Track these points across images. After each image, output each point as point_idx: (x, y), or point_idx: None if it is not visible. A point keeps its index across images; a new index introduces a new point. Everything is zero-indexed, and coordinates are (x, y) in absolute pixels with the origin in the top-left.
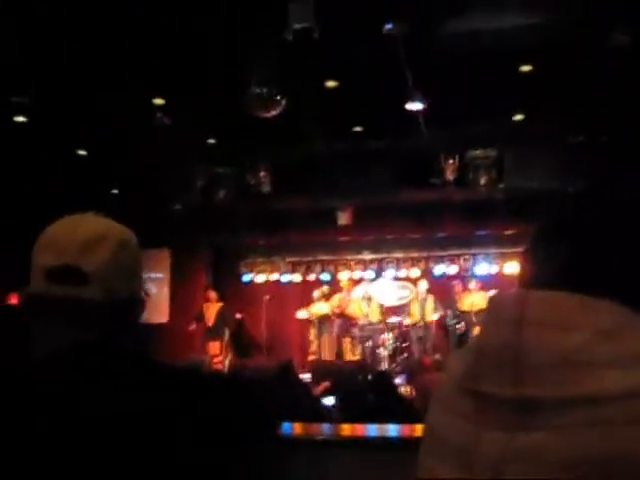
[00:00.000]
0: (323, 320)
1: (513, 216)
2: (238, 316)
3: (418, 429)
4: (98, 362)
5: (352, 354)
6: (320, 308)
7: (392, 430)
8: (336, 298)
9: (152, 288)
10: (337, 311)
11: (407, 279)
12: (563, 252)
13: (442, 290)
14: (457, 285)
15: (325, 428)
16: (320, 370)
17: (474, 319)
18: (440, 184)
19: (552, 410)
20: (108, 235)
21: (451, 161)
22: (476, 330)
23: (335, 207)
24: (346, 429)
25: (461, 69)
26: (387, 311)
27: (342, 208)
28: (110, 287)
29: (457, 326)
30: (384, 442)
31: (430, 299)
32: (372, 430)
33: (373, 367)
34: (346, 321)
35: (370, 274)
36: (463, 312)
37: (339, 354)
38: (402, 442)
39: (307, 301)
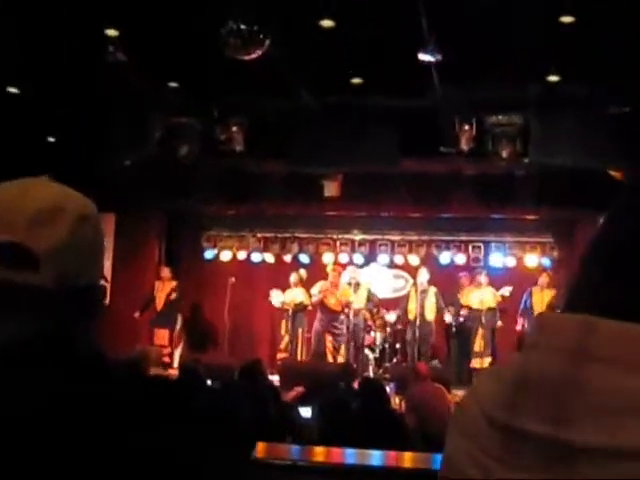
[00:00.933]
0: (299, 311)
1: (537, 198)
2: (195, 300)
3: (407, 458)
4: (37, 362)
5: (333, 355)
6: (296, 296)
7: (376, 458)
8: (317, 286)
9: None
10: (317, 301)
11: (404, 267)
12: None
13: (446, 283)
14: (464, 278)
15: (294, 451)
16: (292, 372)
17: (482, 319)
18: (451, 154)
19: (593, 460)
20: (65, 207)
21: (467, 127)
22: (481, 332)
23: (321, 175)
24: (319, 453)
25: (487, 16)
26: (377, 305)
27: (329, 176)
28: (65, 272)
29: (461, 327)
30: (364, 473)
31: (431, 293)
32: (351, 456)
33: (358, 372)
34: (327, 314)
35: (359, 258)
36: (470, 310)
37: (317, 354)
38: (386, 474)
39: (281, 286)
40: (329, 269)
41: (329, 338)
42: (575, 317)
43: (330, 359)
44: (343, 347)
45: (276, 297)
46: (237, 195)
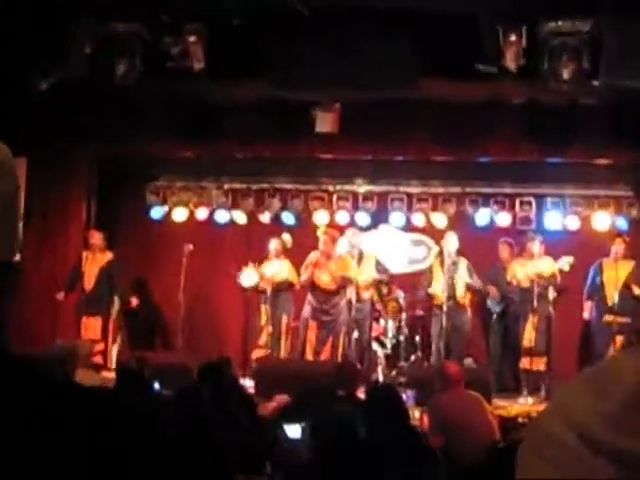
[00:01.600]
0: (283, 292)
1: (610, 135)
2: (137, 277)
3: None
4: None
5: (328, 351)
6: (278, 270)
7: None
8: (311, 257)
9: None
10: (308, 279)
11: (426, 230)
12: None
13: (483, 252)
14: (508, 245)
15: None
16: (273, 375)
17: (534, 303)
18: (492, 74)
19: None
20: None
21: (514, 37)
22: (533, 320)
23: (311, 103)
24: None
25: None
26: (389, 282)
27: (323, 105)
28: None
29: (505, 313)
30: None
31: (462, 266)
32: None
33: (363, 375)
34: (319, 296)
35: (363, 218)
36: (516, 290)
37: (306, 350)
38: None
39: (256, 257)
40: (320, 232)
41: (316, 327)
42: None
43: (323, 356)
44: (341, 340)
45: (248, 276)
46: (195, 131)
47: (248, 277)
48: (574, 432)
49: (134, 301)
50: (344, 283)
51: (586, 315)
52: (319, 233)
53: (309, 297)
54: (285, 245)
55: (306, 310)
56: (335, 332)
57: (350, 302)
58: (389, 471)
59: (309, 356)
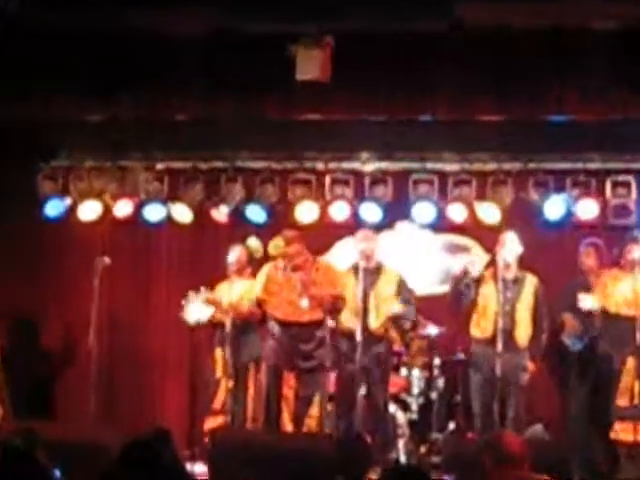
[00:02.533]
0: (248, 326)
1: None
2: (21, 307)
3: None
4: None
5: (315, 418)
6: (242, 294)
7: None
8: (266, 270)
9: None
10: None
11: (468, 228)
12: None
13: (557, 260)
14: (595, 249)
15: None
16: (237, 456)
17: (638, 337)
18: None
19: None
20: None
21: None
22: (635, 364)
23: (289, 37)
24: None
25: None
26: (413, 311)
27: (307, 41)
28: None
29: (590, 354)
30: None
31: (528, 284)
32: None
33: (374, 452)
34: (293, 328)
35: (372, 212)
36: (608, 319)
37: (281, 416)
38: None
39: (208, 275)
40: (273, 251)
41: (293, 379)
42: None
43: (310, 424)
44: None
45: (196, 307)
46: (110, 82)
47: (196, 309)
48: None
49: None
50: (336, 307)
51: None
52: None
53: (274, 329)
54: (252, 255)
55: (270, 351)
56: (323, 387)
57: (353, 340)
58: None
59: (287, 426)
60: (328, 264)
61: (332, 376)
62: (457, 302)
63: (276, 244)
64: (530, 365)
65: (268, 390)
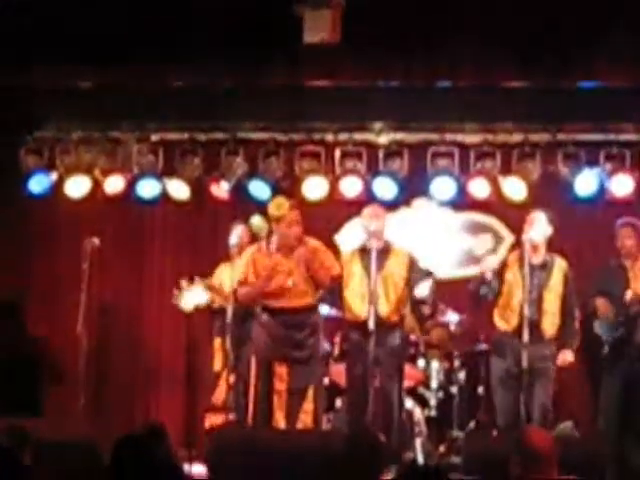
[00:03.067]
0: (252, 313)
1: None
2: (9, 293)
3: None
4: None
5: (310, 414)
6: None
7: None
8: (250, 251)
9: None
10: (251, 288)
11: (491, 207)
12: None
13: (589, 243)
14: (633, 229)
15: None
16: (239, 457)
17: None
18: None
19: None
20: None
21: None
22: None
23: None
24: None
25: None
26: (433, 297)
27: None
28: None
29: (625, 345)
30: None
31: (557, 270)
32: None
33: (389, 452)
34: (285, 314)
35: (387, 187)
36: None
37: (273, 413)
38: None
39: (209, 256)
40: (276, 211)
41: (286, 372)
42: None
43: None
44: (351, 394)
45: (192, 295)
46: (103, 46)
47: (194, 295)
48: None
49: None
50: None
51: None
52: (276, 212)
53: (262, 317)
54: (256, 235)
55: (259, 341)
56: (317, 379)
57: (364, 328)
58: None
59: (280, 422)
60: (318, 243)
61: (342, 368)
62: (478, 303)
63: (279, 203)
64: (569, 356)
65: (257, 384)
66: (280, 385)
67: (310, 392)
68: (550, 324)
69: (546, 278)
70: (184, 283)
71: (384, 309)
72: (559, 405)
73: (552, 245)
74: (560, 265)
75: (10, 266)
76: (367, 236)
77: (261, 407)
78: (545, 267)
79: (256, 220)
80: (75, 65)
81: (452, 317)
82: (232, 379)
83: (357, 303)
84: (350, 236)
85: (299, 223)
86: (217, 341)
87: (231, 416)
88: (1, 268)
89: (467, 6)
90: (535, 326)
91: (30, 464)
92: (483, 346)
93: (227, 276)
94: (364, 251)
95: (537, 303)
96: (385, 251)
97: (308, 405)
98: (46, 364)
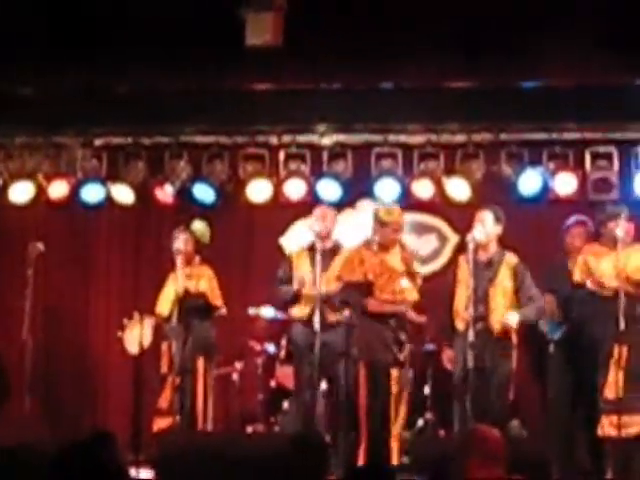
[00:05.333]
0: (196, 317)
1: None
2: None
3: None
4: None
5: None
6: (188, 283)
7: None
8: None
9: None
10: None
11: (435, 207)
12: None
13: (534, 240)
14: (584, 227)
15: None
16: (184, 460)
17: (622, 322)
18: None
19: None
20: None
21: None
22: (619, 348)
23: None
24: None
25: None
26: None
27: (260, 1)
28: None
29: (573, 339)
30: None
31: (504, 267)
32: None
33: (332, 452)
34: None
35: (331, 189)
36: (592, 298)
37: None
38: None
39: (150, 264)
40: (386, 216)
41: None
42: None
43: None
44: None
45: (135, 335)
46: (47, 49)
47: (137, 336)
48: None
49: None
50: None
51: None
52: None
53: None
54: (200, 240)
55: (370, 344)
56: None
57: (310, 326)
58: None
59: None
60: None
61: (288, 370)
62: None
63: (390, 210)
64: (512, 318)
65: (376, 390)
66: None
67: (405, 395)
68: (497, 321)
69: (492, 275)
70: (126, 322)
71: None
72: (510, 404)
73: (508, 242)
74: (508, 261)
75: None
76: (315, 236)
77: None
78: (491, 264)
79: (198, 225)
80: (16, 70)
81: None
82: (176, 381)
83: (304, 303)
84: (295, 238)
85: (402, 229)
86: (164, 345)
87: (177, 419)
88: None
89: (410, 7)
90: (484, 321)
91: None
92: (431, 346)
93: (171, 284)
94: (312, 251)
95: (484, 300)
96: (333, 252)
97: (402, 408)
98: None
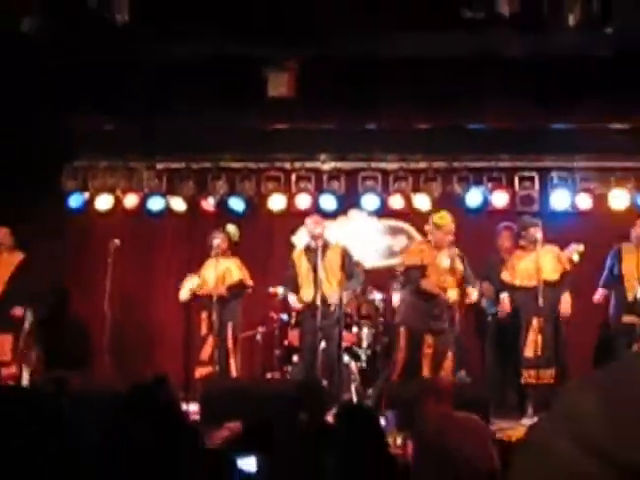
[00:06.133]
0: (231, 297)
1: (629, 93)
2: (53, 281)
3: None
4: None
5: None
6: (224, 271)
7: None
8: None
9: None
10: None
11: (406, 215)
12: None
13: (476, 241)
14: (507, 232)
15: None
16: (221, 398)
17: (539, 303)
18: (482, 22)
19: None
20: None
21: None
22: (537, 324)
23: (263, 60)
24: None
25: None
26: (363, 280)
27: (277, 64)
28: None
29: (503, 316)
30: None
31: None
32: None
33: (329, 393)
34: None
35: (329, 201)
36: (516, 289)
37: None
38: None
39: (200, 253)
40: (439, 221)
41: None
42: None
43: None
44: (304, 351)
45: (186, 287)
46: (119, 98)
47: (189, 284)
48: (577, 443)
49: (18, 311)
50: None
51: (597, 298)
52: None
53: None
54: (232, 239)
55: (409, 315)
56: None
57: (313, 305)
58: None
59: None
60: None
61: (296, 333)
62: None
63: (443, 216)
64: (473, 294)
65: (407, 349)
66: (427, 350)
67: (449, 354)
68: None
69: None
70: (185, 277)
71: (327, 290)
72: (460, 359)
73: (455, 242)
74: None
75: (54, 268)
76: (312, 238)
77: (413, 366)
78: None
79: (231, 228)
80: (99, 110)
81: (376, 295)
82: (212, 342)
83: (305, 288)
84: (302, 237)
85: (453, 232)
86: (203, 314)
87: (213, 369)
88: (47, 268)
89: (390, 69)
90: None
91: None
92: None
93: (212, 268)
94: (309, 249)
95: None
96: (324, 248)
97: (448, 363)
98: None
